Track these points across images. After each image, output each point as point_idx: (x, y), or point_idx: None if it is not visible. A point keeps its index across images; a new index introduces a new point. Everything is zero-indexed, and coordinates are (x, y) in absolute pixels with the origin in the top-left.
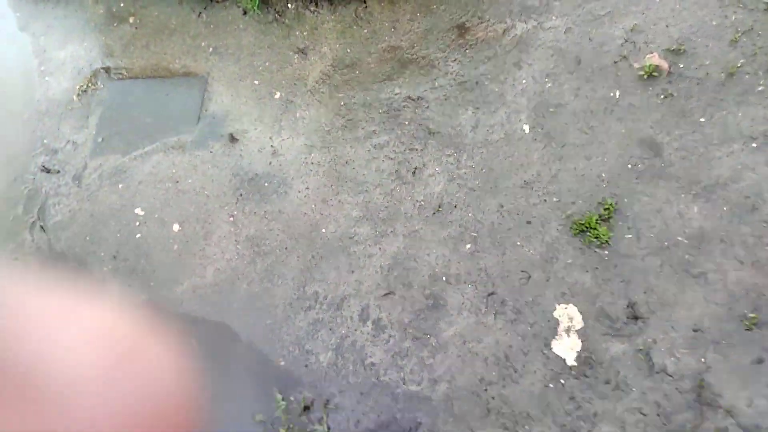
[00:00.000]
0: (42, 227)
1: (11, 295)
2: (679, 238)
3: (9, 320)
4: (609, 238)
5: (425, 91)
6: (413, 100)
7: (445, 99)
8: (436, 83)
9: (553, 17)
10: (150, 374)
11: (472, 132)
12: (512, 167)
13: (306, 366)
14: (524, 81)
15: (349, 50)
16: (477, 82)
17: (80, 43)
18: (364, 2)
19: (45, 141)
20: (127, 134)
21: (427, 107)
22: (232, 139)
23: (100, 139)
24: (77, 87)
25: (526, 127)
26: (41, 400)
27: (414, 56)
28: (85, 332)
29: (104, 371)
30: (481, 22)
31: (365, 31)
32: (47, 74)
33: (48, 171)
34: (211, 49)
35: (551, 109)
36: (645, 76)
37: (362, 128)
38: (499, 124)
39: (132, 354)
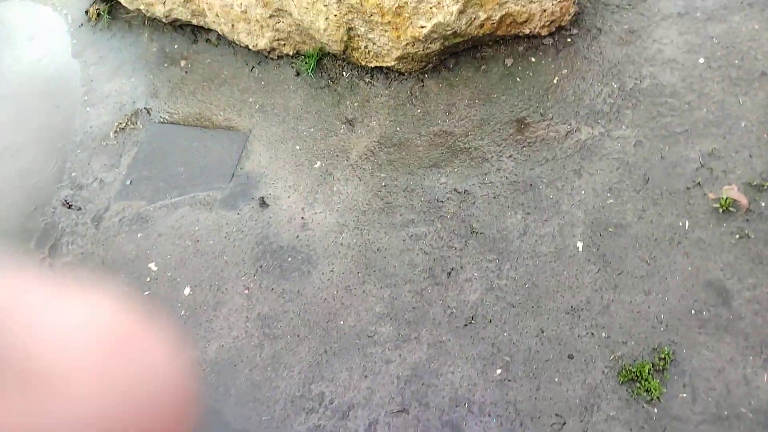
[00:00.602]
0: (50, 266)
1: (4, 283)
2: (743, 410)
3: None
4: (661, 394)
5: (473, 185)
6: (459, 192)
7: (494, 197)
8: (487, 179)
9: (623, 126)
10: (144, 364)
11: (519, 239)
12: (559, 287)
13: None
14: (583, 192)
15: (398, 129)
16: (531, 185)
17: (128, 78)
18: (422, 81)
19: (73, 174)
20: (157, 181)
21: (473, 203)
22: (263, 203)
23: (128, 182)
24: (116, 124)
25: (580, 245)
26: (34, 388)
27: (466, 145)
28: (79, 321)
29: (98, 360)
30: (543, 120)
31: (418, 110)
32: (89, 105)
33: (69, 206)
34: (257, 106)
35: (610, 229)
36: (720, 210)
37: (400, 215)
38: (550, 236)
39: (126, 343)
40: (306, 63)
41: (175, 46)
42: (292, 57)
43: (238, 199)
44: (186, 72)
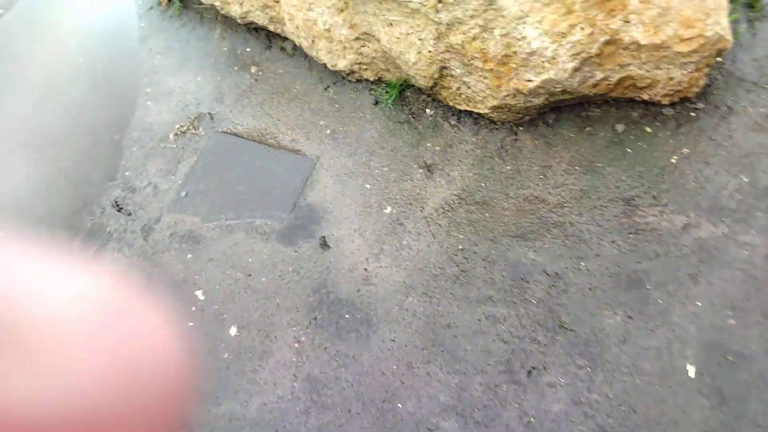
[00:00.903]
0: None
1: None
2: None
3: None
4: None
5: (566, 269)
6: (549, 275)
7: (590, 289)
8: (583, 264)
9: (752, 231)
10: (140, 338)
11: (617, 347)
12: (662, 419)
13: None
14: (699, 303)
15: (483, 184)
16: (636, 281)
17: (194, 76)
18: (515, 133)
19: (127, 174)
20: (214, 197)
21: (565, 291)
22: (324, 244)
23: (184, 193)
24: (177, 126)
25: (691, 370)
26: (27, 357)
27: (561, 219)
28: (74, 292)
29: (93, 331)
30: (656, 205)
31: (508, 167)
32: (151, 99)
33: (119, 209)
34: (328, 131)
35: (729, 357)
36: None
37: (477, 288)
38: (656, 351)
39: (122, 316)
40: (387, 92)
41: (248, 49)
42: (371, 83)
43: (298, 234)
44: (256, 80)
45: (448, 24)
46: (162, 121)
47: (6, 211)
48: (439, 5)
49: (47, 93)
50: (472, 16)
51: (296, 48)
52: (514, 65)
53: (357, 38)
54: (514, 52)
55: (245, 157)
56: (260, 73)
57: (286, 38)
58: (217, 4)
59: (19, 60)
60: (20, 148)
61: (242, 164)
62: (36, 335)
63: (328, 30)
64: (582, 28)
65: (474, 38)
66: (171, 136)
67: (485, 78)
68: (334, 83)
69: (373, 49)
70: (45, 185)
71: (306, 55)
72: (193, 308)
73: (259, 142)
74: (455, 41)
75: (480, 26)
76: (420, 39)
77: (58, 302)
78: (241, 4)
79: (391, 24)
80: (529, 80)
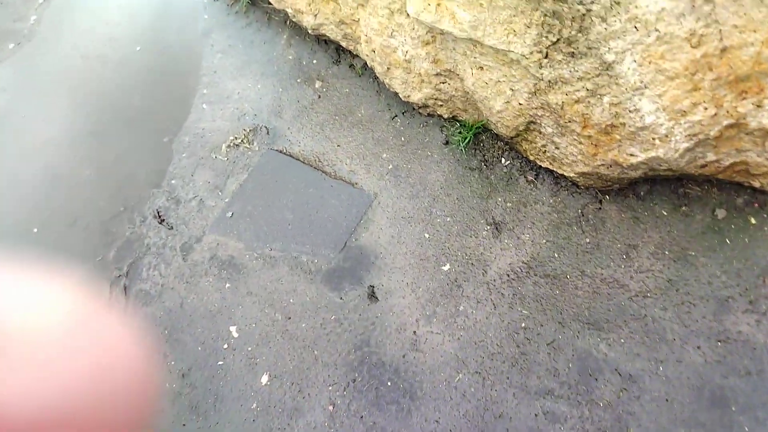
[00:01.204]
0: (125, 288)
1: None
2: None
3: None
4: None
5: (642, 371)
6: (621, 375)
7: (667, 401)
8: (661, 369)
9: None
10: (107, 345)
11: None
12: None
13: None
14: None
15: (556, 255)
16: (720, 400)
17: (254, 82)
18: (599, 202)
19: (173, 182)
20: (260, 222)
21: (638, 398)
22: (372, 295)
23: (230, 214)
24: (231, 137)
25: None
26: None
27: (642, 311)
28: (43, 299)
29: (60, 337)
30: (752, 311)
31: (587, 240)
32: (207, 102)
33: (161, 221)
34: (390, 166)
35: None
36: None
37: (538, 377)
38: None
39: (90, 323)
40: (460, 133)
41: (314, 61)
42: (444, 119)
43: (345, 279)
44: (319, 96)
45: (549, 81)
46: (216, 128)
47: (38, 206)
48: (544, 60)
49: (100, 79)
50: (580, 78)
51: (366, 67)
52: (618, 137)
53: (438, 74)
54: (622, 123)
55: (298, 183)
56: (324, 89)
57: (356, 55)
58: (289, 11)
59: (77, 39)
60: (66, 137)
61: (294, 190)
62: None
63: (408, 61)
64: (705, 108)
65: (577, 101)
66: (223, 147)
67: (580, 143)
68: (402, 113)
69: (454, 88)
70: (85, 181)
71: (375, 77)
72: (225, 346)
73: (314, 168)
74: (554, 100)
75: (588, 90)
76: (512, 89)
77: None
78: (315, 15)
79: (481, 68)
80: (632, 155)
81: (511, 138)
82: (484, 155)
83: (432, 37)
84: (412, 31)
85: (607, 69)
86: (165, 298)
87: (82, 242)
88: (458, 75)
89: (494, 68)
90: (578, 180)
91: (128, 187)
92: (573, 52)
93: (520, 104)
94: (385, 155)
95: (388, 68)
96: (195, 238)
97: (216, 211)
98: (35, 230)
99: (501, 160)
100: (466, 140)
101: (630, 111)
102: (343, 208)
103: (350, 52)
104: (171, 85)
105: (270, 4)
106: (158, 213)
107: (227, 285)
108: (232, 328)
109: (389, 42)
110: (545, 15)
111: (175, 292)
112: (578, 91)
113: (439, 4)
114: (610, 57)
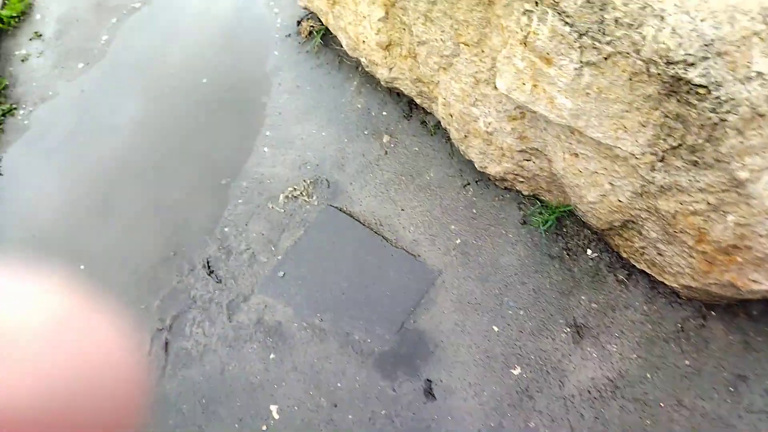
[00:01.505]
0: (166, 344)
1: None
2: None
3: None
4: None
5: None
6: None
7: None
8: None
9: None
10: (89, 344)
11: None
12: None
13: None
14: None
15: (648, 375)
16: None
17: (319, 129)
18: (703, 317)
19: (226, 229)
20: (312, 288)
21: None
22: (428, 391)
23: (281, 273)
24: (290, 187)
25: None
26: None
27: None
28: (25, 298)
29: (42, 336)
30: None
31: (687, 362)
32: (268, 144)
33: (210, 272)
34: (458, 241)
35: None
36: None
37: None
38: None
39: (72, 322)
40: (541, 214)
41: (383, 113)
42: (524, 196)
43: (399, 367)
44: (386, 152)
45: (662, 187)
46: (275, 175)
47: (88, 241)
48: (659, 164)
49: (163, 110)
50: (701, 190)
51: (439, 126)
52: (740, 259)
53: (523, 150)
54: (747, 247)
55: (357, 248)
56: (392, 145)
57: (430, 112)
58: (363, 60)
59: (146, 64)
60: (125, 167)
61: (351, 255)
62: None
63: (490, 133)
64: None
65: (694, 213)
66: (281, 197)
67: (691, 257)
68: (476, 181)
69: (539, 167)
70: (140, 218)
71: (449, 138)
72: (264, 427)
73: (375, 232)
74: (664, 206)
75: (709, 204)
76: (612, 184)
77: None
78: (390, 69)
79: (575, 155)
80: (755, 281)
81: (602, 230)
82: (567, 243)
83: (521, 113)
84: (498, 104)
85: (737, 186)
86: (206, 361)
87: (128, 286)
88: (546, 156)
89: (592, 159)
90: (680, 290)
91: (182, 230)
92: (696, 161)
93: (620, 201)
94: (453, 227)
95: (465, 135)
96: (243, 297)
97: (267, 268)
98: (82, 267)
99: (587, 252)
100: (548, 223)
101: (760, 236)
102: (403, 283)
103: (423, 108)
104: (234, 122)
105: (342, 47)
106: (208, 263)
107: (272, 356)
108: (273, 408)
109: (470, 110)
110: (666, 116)
111: (217, 356)
112: (697, 203)
113: (535, 86)
114: (742, 174)
